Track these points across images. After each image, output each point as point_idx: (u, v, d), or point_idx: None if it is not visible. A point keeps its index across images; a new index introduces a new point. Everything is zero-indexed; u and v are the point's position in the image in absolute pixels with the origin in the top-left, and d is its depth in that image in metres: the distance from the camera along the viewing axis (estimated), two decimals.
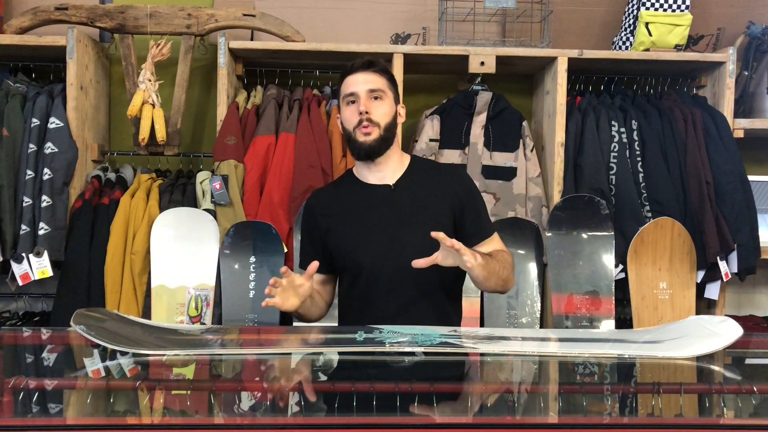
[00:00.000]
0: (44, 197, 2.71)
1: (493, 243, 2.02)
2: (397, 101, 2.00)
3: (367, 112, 1.90)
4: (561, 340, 1.83)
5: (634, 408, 1.36)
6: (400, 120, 2.02)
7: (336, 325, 2.12)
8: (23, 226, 2.69)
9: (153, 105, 2.82)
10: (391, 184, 1.98)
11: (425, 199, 1.97)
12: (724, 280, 2.88)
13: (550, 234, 2.82)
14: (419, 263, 1.78)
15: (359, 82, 1.93)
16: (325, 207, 2.02)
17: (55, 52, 2.87)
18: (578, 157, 2.91)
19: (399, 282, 1.91)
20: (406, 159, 2.04)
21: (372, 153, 1.94)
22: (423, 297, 1.93)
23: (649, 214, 2.86)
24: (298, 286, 1.79)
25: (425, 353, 1.51)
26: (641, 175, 2.89)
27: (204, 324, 2.68)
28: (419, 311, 1.92)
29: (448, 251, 1.76)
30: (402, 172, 2.00)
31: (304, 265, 2.01)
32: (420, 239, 1.86)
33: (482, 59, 2.88)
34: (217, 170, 2.77)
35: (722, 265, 2.87)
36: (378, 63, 1.97)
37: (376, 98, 1.93)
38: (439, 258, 1.78)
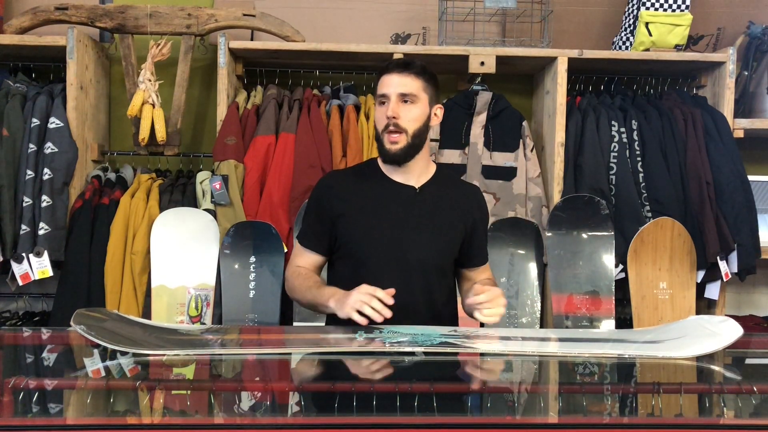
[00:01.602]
0: (44, 197, 2.71)
1: (487, 271, 2.10)
2: (434, 102, 1.97)
3: (394, 117, 1.88)
4: (561, 340, 1.83)
5: (634, 408, 1.36)
6: (436, 121, 1.99)
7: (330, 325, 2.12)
8: (23, 226, 2.69)
9: (153, 105, 2.82)
10: (417, 186, 1.98)
11: (445, 209, 1.98)
12: (724, 280, 2.88)
13: (550, 234, 2.82)
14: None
15: (392, 84, 1.90)
16: (343, 191, 1.99)
17: (55, 52, 2.87)
18: (578, 157, 2.90)
19: (400, 282, 1.90)
20: (433, 166, 2.04)
21: (397, 160, 1.93)
22: (421, 298, 1.94)
23: (649, 214, 2.86)
24: None
25: (425, 353, 1.51)
26: (641, 175, 2.89)
27: (204, 324, 2.68)
28: (415, 311, 1.92)
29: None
30: (428, 178, 2.00)
31: (304, 241, 2.01)
32: (429, 246, 1.93)
33: (482, 59, 2.88)
34: (217, 170, 2.77)
35: (722, 265, 2.87)
36: (413, 64, 1.93)
37: (406, 101, 1.90)
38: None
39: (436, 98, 1.98)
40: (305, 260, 2.02)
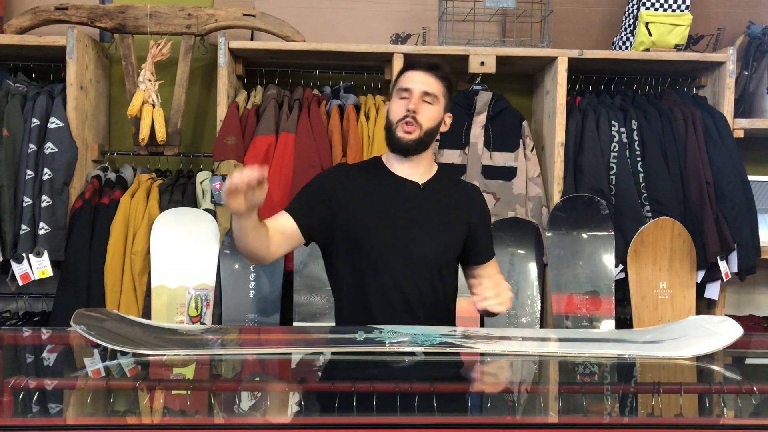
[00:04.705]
0: (44, 197, 2.71)
1: (494, 266, 2.11)
2: (447, 109, 2.01)
3: (414, 112, 1.92)
4: (561, 340, 1.83)
5: (634, 408, 1.36)
6: (444, 128, 2.04)
7: (334, 324, 2.12)
8: (23, 226, 2.69)
9: (153, 105, 2.82)
10: (420, 183, 2.01)
11: (448, 206, 2.01)
12: (724, 280, 2.88)
13: (550, 234, 2.82)
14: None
15: (417, 81, 1.95)
16: (349, 182, 2.01)
17: (55, 52, 2.87)
18: (578, 157, 2.91)
19: (402, 276, 1.92)
20: (435, 166, 2.08)
21: (407, 150, 1.96)
22: (425, 293, 1.94)
23: (649, 214, 2.86)
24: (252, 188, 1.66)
25: (425, 353, 1.51)
26: (641, 175, 2.89)
27: (204, 324, 2.68)
28: (419, 305, 1.93)
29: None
30: (431, 176, 2.04)
31: (289, 209, 1.94)
32: (433, 242, 1.95)
33: (482, 59, 2.88)
34: (217, 170, 2.77)
35: (722, 265, 2.87)
36: (440, 68, 1.98)
37: (427, 101, 1.95)
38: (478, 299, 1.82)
39: (449, 106, 2.03)
40: (273, 221, 1.91)
